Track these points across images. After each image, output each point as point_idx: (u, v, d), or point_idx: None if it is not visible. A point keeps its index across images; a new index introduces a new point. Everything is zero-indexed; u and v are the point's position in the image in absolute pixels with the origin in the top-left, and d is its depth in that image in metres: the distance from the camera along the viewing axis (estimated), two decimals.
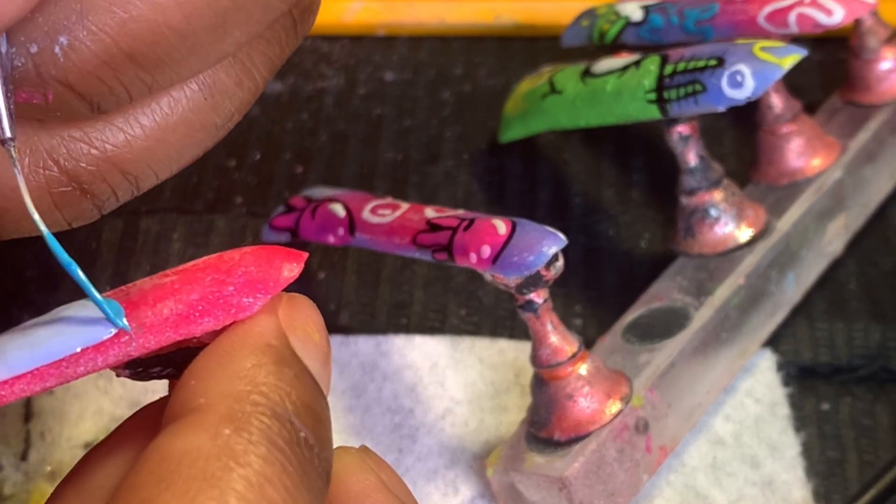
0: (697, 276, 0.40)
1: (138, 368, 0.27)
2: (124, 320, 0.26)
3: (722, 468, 0.39)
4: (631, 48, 0.44)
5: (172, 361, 0.27)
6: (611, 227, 0.45)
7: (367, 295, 0.43)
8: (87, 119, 0.29)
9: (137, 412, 0.28)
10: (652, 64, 0.39)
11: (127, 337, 0.26)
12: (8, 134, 0.26)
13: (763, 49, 0.37)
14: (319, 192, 0.43)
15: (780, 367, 0.41)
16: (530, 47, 0.51)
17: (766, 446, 0.39)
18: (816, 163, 0.42)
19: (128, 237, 0.45)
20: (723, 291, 0.39)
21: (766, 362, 0.41)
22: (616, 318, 0.39)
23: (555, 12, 0.51)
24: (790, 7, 0.40)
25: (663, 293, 0.39)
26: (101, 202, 0.29)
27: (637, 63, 0.40)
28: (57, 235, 0.26)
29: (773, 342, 0.41)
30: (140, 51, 0.27)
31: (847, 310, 0.42)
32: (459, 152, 0.48)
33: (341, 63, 0.52)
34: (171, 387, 0.27)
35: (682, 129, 0.39)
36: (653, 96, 0.38)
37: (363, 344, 0.42)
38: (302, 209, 0.42)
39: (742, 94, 0.37)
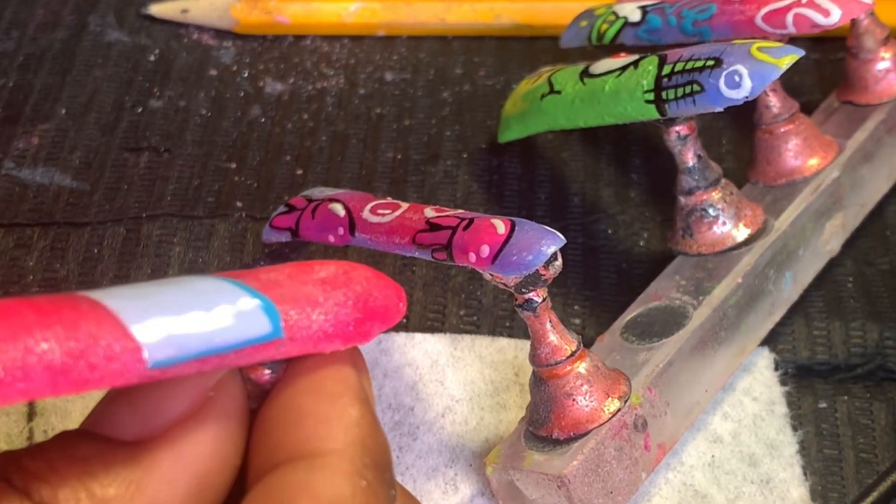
0: (696, 276, 0.40)
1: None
2: (281, 326, 0.26)
3: (720, 466, 0.39)
4: (629, 49, 0.44)
5: (277, 366, 0.28)
6: (609, 226, 0.45)
7: None
8: None
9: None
10: (650, 64, 0.39)
11: (279, 345, 0.26)
12: None
13: (760, 49, 0.37)
14: (319, 192, 0.43)
15: (778, 365, 0.41)
16: (529, 48, 0.52)
17: (763, 445, 0.39)
18: (814, 162, 0.42)
19: (129, 242, 0.45)
20: (721, 290, 0.39)
21: (764, 361, 0.41)
22: (615, 317, 0.39)
23: (554, 13, 0.51)
24: (787, 7, 0.40)
25: (662, 292, 0.39)
26: None
27: (635, 63, 0.40)
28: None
29: (770, 341, 0.41)
30: None
31: (844, 309, 0.42)
32: (459, 152, 0.48)
33: (341, 63, 0.52)
34: (265, 385, 0.28)
35: (680, 128, 0.40)
36: (651, 96, 0.38)
37: None
38: (302, 209, 0.42)
39: (740, 95, 0.37)
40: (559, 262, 0.35)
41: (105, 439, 0.26)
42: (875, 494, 0.37)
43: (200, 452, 0.26)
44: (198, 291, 0.25)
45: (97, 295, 0.24)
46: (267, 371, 0.28)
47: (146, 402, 0.26)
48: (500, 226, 0.35)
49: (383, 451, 0.27)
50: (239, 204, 0.47)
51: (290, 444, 0.26)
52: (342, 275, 0.28)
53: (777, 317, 0.41)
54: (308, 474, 0.25)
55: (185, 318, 0.25)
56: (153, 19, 0.54)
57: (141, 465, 0.25)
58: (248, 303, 0.26)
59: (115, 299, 0.24)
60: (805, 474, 0.38)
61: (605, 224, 0.45)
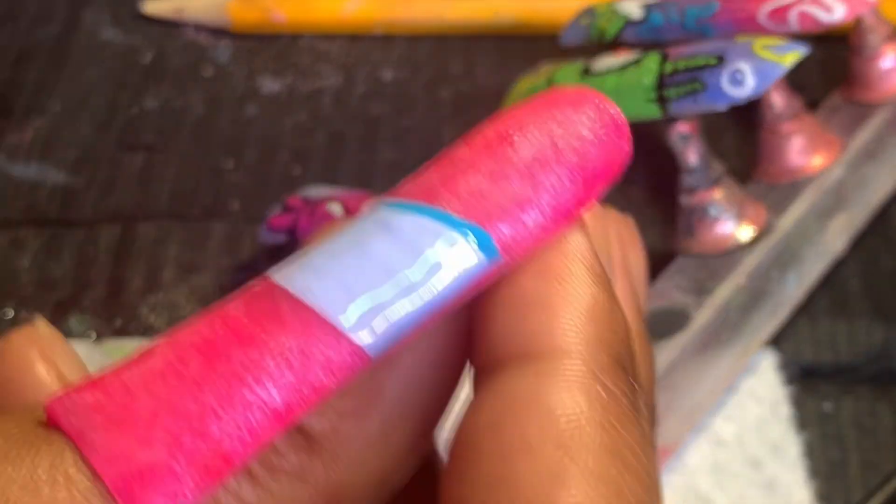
0: (698, 276, 0.39)
1: None
2: (495, 246, 0.22)
3: (723, 469, 0.38)
4: (631, 47, 0.44)
5: None
6: None
7: None
8: None
9: None
10: (652, 62, 0.39)
11: (502, 266, 0.23)
12: None
13: (764, 47, 0.37)
14: (317, 191, 0.43)
15: (782, 366, 0.41)
16: (529, 46, 0.51)
17: (767, 447, 0.39)
18: (817, 161, 0.42)
19: (125, 243, 0.45)
20: (723, 291, 0.39)
21: (768, 362, 0.41)
22: None
23: (554, 10, 0.51)
24: (791, 5, 0.40)
25: (664, 293, 0.39)
26: None
27: (637, 61, 0.40)
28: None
29: (774, 342, 0.41)
30: None
31: (849, 309, 0.42)
32: None
33: (339, 62, 0.51)
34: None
35: (682, 127, 0.39)
36: (653, 95, 0.38)
37: None
38: (299, 209, 0.42)
39: (743, 93, 0.37)
40: None
41: None
42: (880, 496, 0.37)
43: (432, 354, 0.24)
44: (402, 246, 0.22)
45: (290, 283, 0.22)
46: None
47: None
48: None
49: (622, 341, 0.23)
50: (235, 204, 0.46)
51: (515, 339, 0.23)
52: (549, 146, 0.23)
53: (780, 317, 0.41)
54: (538, 382, 0.22)
55: (391, 288, 0.22)
56: (148, 18, 0.53)
57: (376, 371, 0.23)
58: (459, 241, 0.22)
59: (313, 288, 0.22)
60: (809, 477, 0.38)
61: None
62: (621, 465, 0.22)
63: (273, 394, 0.21)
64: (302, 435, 0.23)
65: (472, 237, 0.22)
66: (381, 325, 0.21)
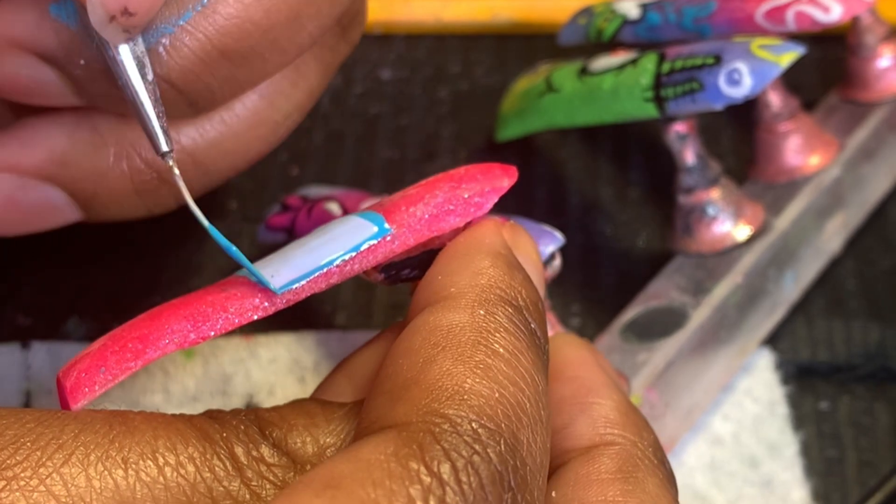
0: (695, 275, 0.39)
1: (391, 272, 0.31)
2: (385, 225, 0.30)
3: (720, 468, 0.38)
4: (628, 46, 0.44)
5: (419, 264, 0.31)
6: (608, 225, 0.45)
7: (363, 296, 0.43)
8: (185, 118, 0.33)
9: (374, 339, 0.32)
10: (649, 62, 0.39)
11: (390, 238, 0.30)
12: (165, 148, 0.30)
13: (761, 47, 0.37)
14: (315, 190, 0.43)
15: (779, 366, 0.41)
16: (527, 45, 0.51)
17: (764, 446, 0.39)
18: (814, 161, 0.42)
19: (123, 244, 0.45)
20: (721, 290, 0.39)
21: (765, 361, 0.41)
22: (614, 318, 0.39)
23: (552, 10, 0.51)
24: (788, 4, 0.40)
25: (661, 292, 0.39)
26: (177, 191, 0.31)
27: (634, 61, 0.40)
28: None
29: (771, 341, 0.41)
30: (230, 47, 0.31)
31: (846, 308, 0.42)
32: (456, 151, 0.48)
33: None
34: (413, 288, 0.31)
35: (679, 127, 0.39)
36: (650, 94, 0.38)
37: (361, 338, 0.41)
38: (298, 208, 0.42)
39: (740, 92, 0.37)
40: (558, 261, 0.35)
41: (329, 402, 0.29)
42: (878, 496, 0.37)
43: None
44: (314, 233, 0.31)
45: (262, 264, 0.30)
46: (381, 275, 0.31)
47: (360, 373, 0.31)
48: None
49: (519, 293, 0.29)
50: (234, 204, 0.46)
51: (421, 300, 0.29)
52: (443, 174, 0.32)
53: (778, 317, 0.41)
54: (428, 314, 0.27)
55: (297, 249, 0.30)
56: None
57: (354, 419, 0.28)
58: (357, 219, 0.31)
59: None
60: (806, 475, 0.38)
61: (603, 223, 0.45)
62: (489, 353, 0.26)
63: (204, 310, 0.29)
64: (289, 458, 0.28)
65: (365, 215, 0.31)
66: (286, 273, 0.29)
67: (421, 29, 0.52)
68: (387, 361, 0.27)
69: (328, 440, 0.28)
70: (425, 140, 0.48)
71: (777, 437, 0.39)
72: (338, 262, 0.30)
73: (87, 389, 0.27)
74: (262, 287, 0.29)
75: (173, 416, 0.27)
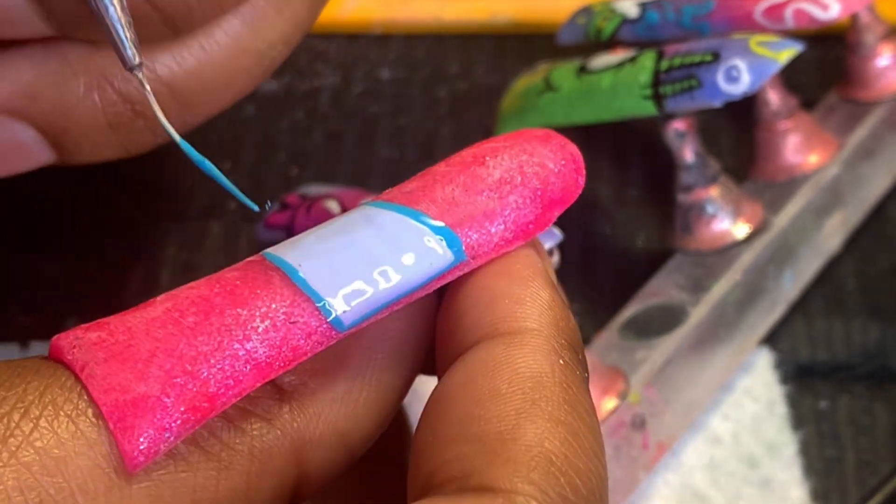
0: (694, 273, 0.39)
1: None
2: (465, 252, 0.26)
3: (719, 467, 0.38)
4: (627, 45, 0.44)
5: None
6: (607, 224, 0.45)
7: None
8: (162, 40, 0.30)
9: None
10: (647, 59, 0.39)
11: (464, 266, 0.27)
12: (136, 60, 0.28)
13: (759, 44, 0.37)
14: (315, 189, 0.43)
15: (778, 365, 0.41)
16: (526, 45, 0.51)
17: (763, 445, 0.39)
18: (814, 159, 0.42)
19: (121, 243, 0.45)
20: (720, 288, 0.39)
21: (764, 360, 0.41)
22: (613, 315, 0.39)
23: (551, 10, 0.51)
24: (787, 2, 0.40)
25: (660, 290, 0.39)
26: (154, 125, 0.29)
27: (633, 59, 0.40)
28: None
29: (770, 340, 0.41)
30: None
31: (845, 307, 0.42)
32: (455, 150, 0.47)
33: (337, 61, 0.51)
34: None
35: (678, 125, 0.39)
36: (648, 92, 0.38)
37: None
38: (297, 207, 0.42)
39: (738, 89, 0.37)
40: (557, 258, 0.35)
41: None
42: (878, 497, 0.37)
43: (396, 328, 0.28)
44: (382, 238, 0.26)
45: (282, 261, 0.25)
46: None
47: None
48: None
49: (575, 334, 0.27)
50: (233, 204, 0.46)
51: (486, 324, 0.26)
52: (517, 170, 0.27)
53: (777, 315, 0.41)
54: (508, 350, 0.26)
55: (372, 277, 0.25)
56: None
57: (349, 338, 0.26)
58: (431, 240, 0.26)
59: (303, 266, 0.25)
60: (805, 475, 0.38)
61: (602, 222, 0.45)
62: (576, 416, 0.25)
63: (258, 349, 0.24)
64: (273, 386, 0.25)
65: (445, 239, 0.26)
66: (358, 307, 0.25)
67: (420, 29, 0.52)
68: (468, 397, 0.25)
69: (315, 365, 0.26)
70: (424, 140, 0.48)
71: (776, 436, 0.39)
72: (410, 294, 0.26)
73: (151, 454, 0.23)
74: (329, 325, 0.25)
75: None
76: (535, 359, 0.26)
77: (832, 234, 0.42)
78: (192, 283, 0.25)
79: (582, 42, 0.45)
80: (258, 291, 0.24)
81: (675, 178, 0.40)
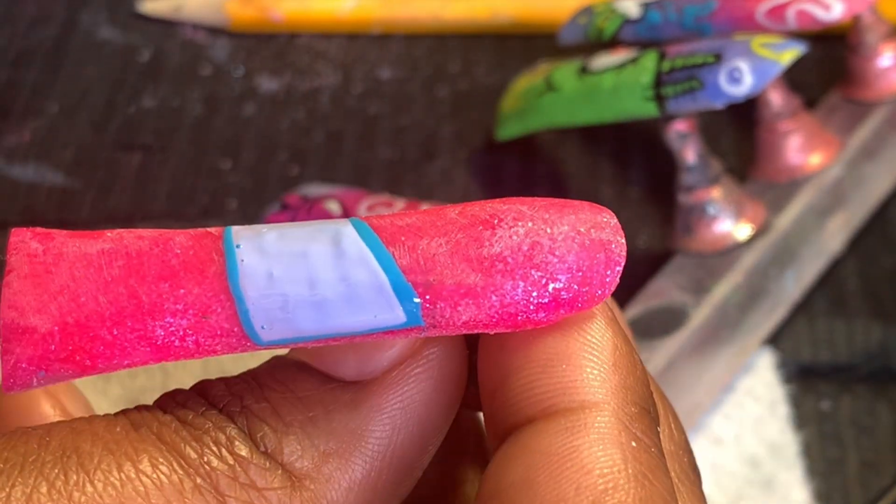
0: (696, 274, 0.39)
1: None
2: (422, 318, 0.23)
3: (721, 468, 0.38)
4: (628, 45, 0.44)
5: None
6: None
7: None
8: None
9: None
10: (649, 60, 0.39)
11: (420, 331, 0.23)
12: None
13: (762, 45, 0.37)
14: (315, 189, 0.43)
15: (780, 365, 0.41)
16: (527, 45, 0.51)
17: (765, 446, 0.39)
18: (816, 160, 0.42)
19: None
20: (721, 289, 0.38)
21: (766, 361, 0.41)
22: None
23: (552, 9, 0.51)
24: (789, 3, 0.39)
25: (662, 291, 0.39)
26: None
27: (634, 60, 0.39)
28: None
29: (772, 340, 0.41)
30: None
31: (847, 308, 0.42)
32: (456, 150, 0.48)
33: (337, 61, 0.51)
34: None
35: (680, 126, 0.39)
36: (650, 93, 0.38)
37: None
38: (297, 207, 0.41)
39: (740, 91, 0.37)
40: None
41: (323, 376, 0.24)
42: (883, 503, 0.37)
43: (422, 397, 0.24)
44: (337, 269, 0.23)
45: (231, 248, 0.23)
46: None
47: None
48: None
49: (645, 389, 0.23)
50: (233, 204, 0.46)
51: (539, 395, 0.23)
52: (524, 252, 0.23)
53: (778, 316, 0.40)
54: (570, 439, 0.22)
55: (307, 300, 0.23)
56: (146, 17, 0.53)
57: (362, 412, 0.23)
58: (386, 291, 0.23)
59: (245, 260, 0.23)
60: (807, 476, 0.38)
61: None
62: None
63: (158, 330, 0.22)
64: (285, 471, 0.23)
65: (399, 296, 0.22)
66: (281, 331, 0.23)
67: (421, 28, 0.52)
68: (537, 481, 0.22)
69: (332, 445, 0.23)
70: (425, 139, 0.48)
71: (778, 437, 0.39)
72: (348, 336, 0.23)
73: (23, 384, 0.23)
74: (244, 334, 0.23)
75: (134, 425, 0.23)
76: (603, 450, 0.22)
77: (834, 235, 0.42)
78: (146, 232, 0.23)
79: (583, 42, 0.45)
80: (191, 270, 0.22)
81: (676, 179, 0.40)
